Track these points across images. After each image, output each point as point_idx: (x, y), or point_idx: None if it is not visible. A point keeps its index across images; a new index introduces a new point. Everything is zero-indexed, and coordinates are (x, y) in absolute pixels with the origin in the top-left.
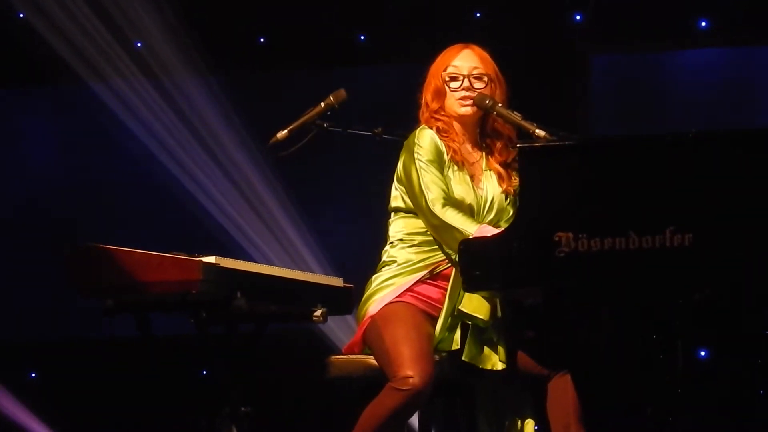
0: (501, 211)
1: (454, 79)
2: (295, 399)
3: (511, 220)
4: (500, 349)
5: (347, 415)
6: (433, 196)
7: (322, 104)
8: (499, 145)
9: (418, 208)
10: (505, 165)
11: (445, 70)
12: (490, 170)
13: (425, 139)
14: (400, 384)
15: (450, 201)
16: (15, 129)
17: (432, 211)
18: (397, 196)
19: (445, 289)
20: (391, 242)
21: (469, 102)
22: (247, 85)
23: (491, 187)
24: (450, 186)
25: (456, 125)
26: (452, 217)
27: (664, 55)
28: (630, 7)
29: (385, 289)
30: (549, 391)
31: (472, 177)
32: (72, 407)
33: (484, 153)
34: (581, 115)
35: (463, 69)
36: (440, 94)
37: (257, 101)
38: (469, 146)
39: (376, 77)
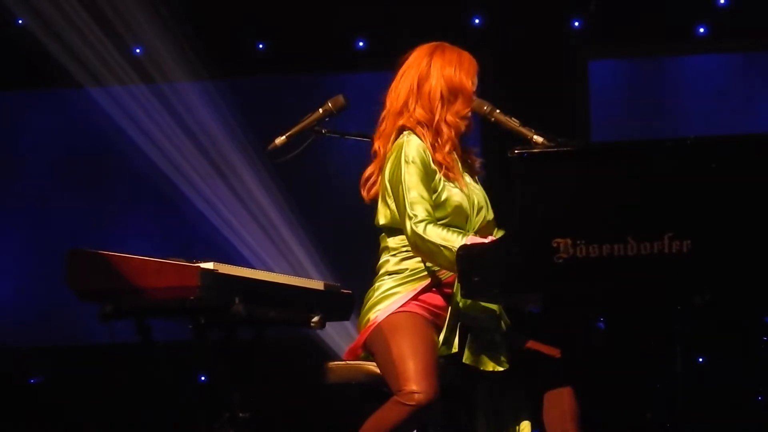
0: (487, 211)
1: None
2: (294, 405)
3: (491, 219)
4: (502, 350)
5: (346, 421)
6: (419, 218)
7: (321, 110)
8: (468, 146)
9: (402, 226)
10: (469, 157)
11: (473, 81)
12: (464, 171)
13: (415, 152)
14: (406, 399)
15: (435, 219)
16: (14, 133)
17: (416, 232)
18: (390, 215)
19: (450, 297)
20: (393, 253)
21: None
22: (245, 90)
23: (473, 187)
24: (448, 196)
25: (447, 133)
26: (435, 235)
27: (662, 61)
28: (629, 13)
29: (391, 297)
30: (546, 397)
31: (457, 181)
32: (71, 412)
33: (455, 155)
34: (579, 121)
35: (474, 87)
36: (457, 98)
37: (256, 107)
38: (451, 152)
39: (375, 83)
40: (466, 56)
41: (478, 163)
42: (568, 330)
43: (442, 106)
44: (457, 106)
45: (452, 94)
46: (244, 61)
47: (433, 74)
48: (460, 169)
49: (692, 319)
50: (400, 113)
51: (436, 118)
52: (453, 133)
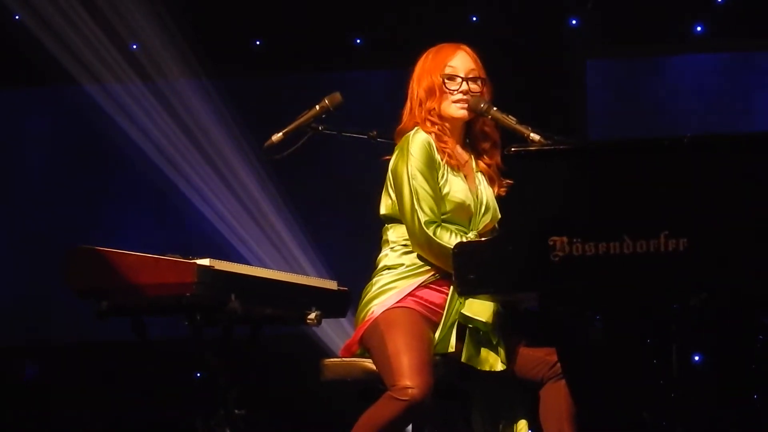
0: (495, 212)
1: (451, 80)
2: (290, 402)
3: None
4: (499, 350)
5: (342, 418)
6: (426, 218)
7: (318, 107)
8: (486, 146)
9: (405, 223)
10: (492, 168)
11: (442, 69)
12: (480, 172)
13: (419, 146)
14: (399, 394)
15: (440, 218)
16: (12, 130)
17: (426, 233)
18: (391, 205)
19: (447, 294)
20: (392, 247)
21: (465, 105)
22: (242, 87)
23: (484, 188)
24: (450, 190)
25: (448, 127)
26: (446, 239)
27: (659, 59)
28: (626, 12)
29: (387, 292)
30: (542, 397)
31: (466, 178)
32: (67, 409)
33: (472, 155)
34: (576, 119)
35: (459, 70)
36: (435, 93)
37: (253, 104)
38: (459, 148)
39: (371, 80)
40: (443, 48)
41: (503, 185)
42: (563, 328)
43: (420, 105)
44: (435, 101)
45: (427, 93)
46: (240, 58)
47: (414, 78)
48: (474, 167)
49: (688, 318)
50: (405, 112)
51: (418, 118)
52: (443, 128)
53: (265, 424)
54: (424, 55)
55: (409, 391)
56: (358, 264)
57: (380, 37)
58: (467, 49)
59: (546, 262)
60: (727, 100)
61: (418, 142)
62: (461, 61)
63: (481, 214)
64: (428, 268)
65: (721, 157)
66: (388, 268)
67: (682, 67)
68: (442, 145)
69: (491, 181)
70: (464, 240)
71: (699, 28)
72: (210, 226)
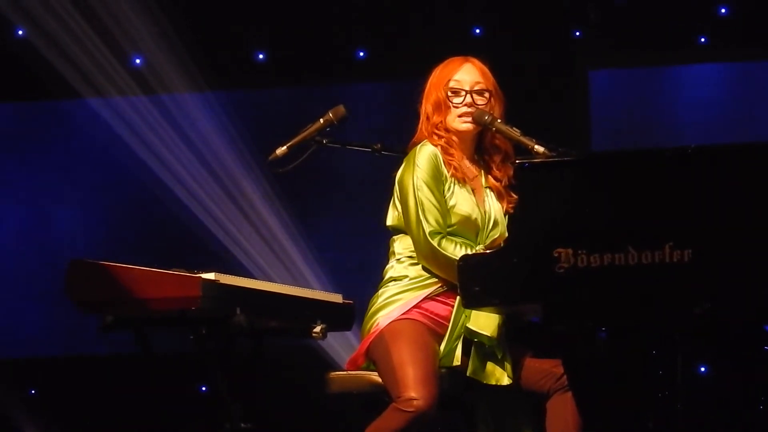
0: (504, 227)
1: (455, 93)
2: (296, 415)
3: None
4: (505, 364)
5: (347, 431)
6: (431, 229)
7: (322, 120)
8: (497, 159)
9: (411, 234)
10: (503, 183)
11: (447, 84)
12: (489, 187)
13: (426, 158)
14: (405, 405)
15: (446, 230)
16: (14, 144)
17: (430, 243)
18: (397, 216)
19: (453, 307)
20: (398, 258)
21: (470, 118)
22: (246, 100)
23: (493, 203)
24: (456, 203)
25: (455, 140)
26: (450, 250)
27: (662, 70)
28: (629, 22)
29: (393, 303)
30: (549, 408)
31: (473, 192)
32: (71, 424)
33: (482, 170)
34: (580, 131)
35: (465, 84)
36: (441, 108)
37: (256, 117)
38: (467, 162)
39: (375, 93)
40: (451, 62)
41: (512, 201)
42: (568, 340)
43: (428, 120)
44: (441, 115)
45: (434, 107)
46: (244, 71)
47: (424, 93)
48: (482, 183)
49: (693, 329)
50: (420, 120)
51: (426, 131)
52: (450, 141)
53: None
54: (434, 69)
55: (415, 402)
56: (364, 276)
57: (383, 50)
58: (475, 61)
59: (551, 274)
60: (730, 110)
61: (424, 154)
62: (467, 74)
63: (488, 229)
64: (434, 280)
65: (725, 167)
66: (394, 279)
67: (684, 77)
68: (449, 157)
69: (500, 197)
70: (469, 252)
71: (702, 39)
72: (215, 239)
